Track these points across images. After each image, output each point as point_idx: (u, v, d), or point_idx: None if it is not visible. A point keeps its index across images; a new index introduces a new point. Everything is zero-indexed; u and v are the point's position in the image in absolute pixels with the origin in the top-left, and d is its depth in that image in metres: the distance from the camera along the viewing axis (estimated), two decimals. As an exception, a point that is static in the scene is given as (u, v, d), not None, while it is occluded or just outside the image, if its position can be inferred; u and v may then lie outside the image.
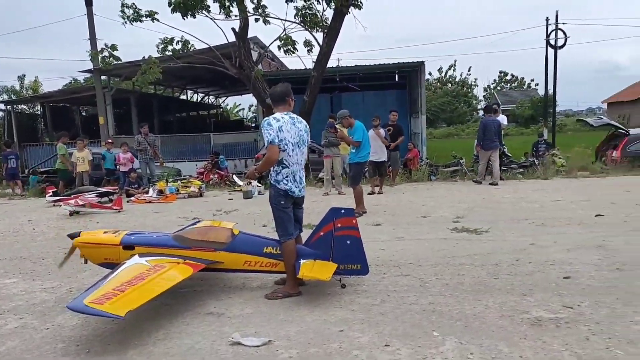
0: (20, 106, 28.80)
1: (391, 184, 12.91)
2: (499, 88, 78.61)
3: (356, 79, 22.16)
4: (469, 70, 77.21)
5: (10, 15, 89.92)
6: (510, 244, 6.27)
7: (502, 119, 13.69)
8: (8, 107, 26.84)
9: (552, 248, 5.94)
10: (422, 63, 19.97)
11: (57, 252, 7.00)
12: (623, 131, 15.45)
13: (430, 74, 69.62)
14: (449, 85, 70.05)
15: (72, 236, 5.17)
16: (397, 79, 23.53)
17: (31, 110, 30.35)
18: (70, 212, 10.70)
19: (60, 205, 11.20)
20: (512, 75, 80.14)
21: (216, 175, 16.37)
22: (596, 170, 13.79)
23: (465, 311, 4.10)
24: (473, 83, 73.18)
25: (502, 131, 13.27)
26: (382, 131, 11.65)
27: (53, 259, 6.64)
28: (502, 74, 79.98)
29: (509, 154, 16.14)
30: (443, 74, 71.72)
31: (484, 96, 76.64)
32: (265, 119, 4.68)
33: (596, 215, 7.68)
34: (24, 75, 41.32)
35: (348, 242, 4.66)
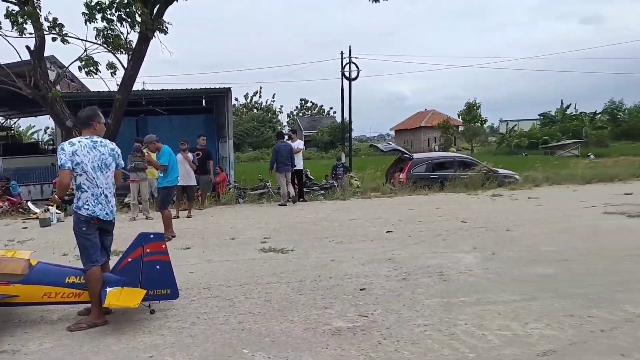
0: None
1: (200, 207, 12.81)
2: (300, 114, 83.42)
3: (163, 103, 21.65)
4: (274, 97, 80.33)
5: None
6: (313, 261, 6.72)
7: (299, 143, 14.49)
8: None
9: (350, 263, 6.50)
10: (229, 89, 20.32)
11: None
12: (408, 156, 17.48)
13: (236, 99, 71.15)
14: (255, 110, 72.30)
15: None
16: (204, 104, 23.58)
17: None
18: None
19: None
20: (312, 103, 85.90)
21: (7, 203, 14.54)
22: (386, 191, 15.25)
23: (272, 327, 4.31)
24: (278, 109, 76.60)
25: (299, 155, 14.05)
26: (190, 155, 11.60)
27: None
28: (302, 101, 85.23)
29: (311, 177, 17.22)
30: (249, 100, 73.88)
31: (287, 122, 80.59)
32: (61, 143, 4.49)
33: (387, 232, 8.58)
34: None
35: (157, 267, 4.57)
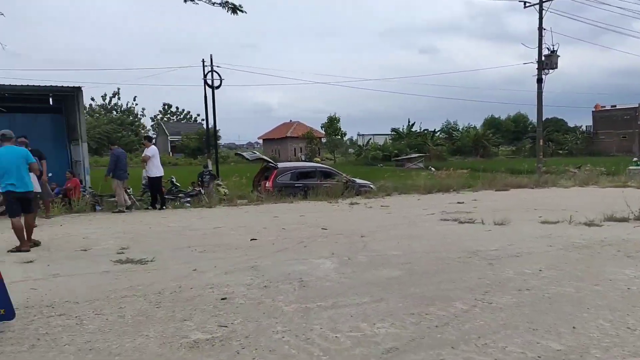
0: None
1: (47, 216, 11.58)
2: (165, 119, 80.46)
3: (3, 99, 19.33)
4: (135, 99, 76.01)
5: None
6: (174, 271, 6.35)
7: (149, 150, 13.80)
8: None
9: (212, 272, 6.23)
10: (79, 88, 18.54)
11: None
12: (273, 165, 17.59)
13: (92, 99, 66.69)
14: (114, 112, 68.26)
15: None
16: (52, 103, 21.43)
17: None
18: None
19: None
20: (177, 108, 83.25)
21: None
22: (253, 198, 15.18)
23: (124, 344, 3.94)
24: (140, 113, 73.06)
25: (152, 162, 13.54)
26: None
27: None
28: (166, 106, 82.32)
29: (178, 184, 16.56)
30: (107, 101, 69.56)
31: (151, 125, 77.20)
32: None
33: (251, 240, 8.42)
34: None
35: (-11, 284, 4.00)
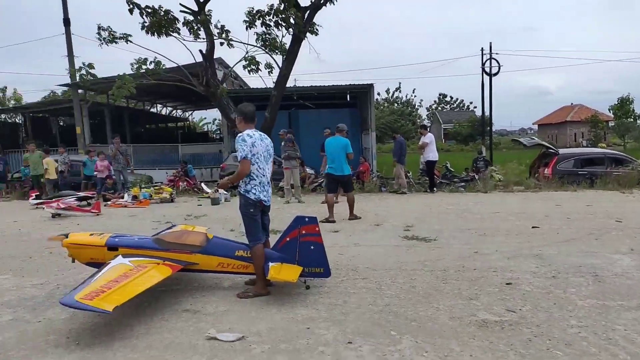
0: (2, 116, 27.89)
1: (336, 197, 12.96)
2: (439, 108, 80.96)
3: (312, 98, 22.45)
4: (414, 91, 78.69)
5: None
6: (456, 251, 6.42)
7: (426, 137, 14.08)
8: None
9: (494, 256, 6.09)
10: (372, 85, 20.58)
11: (43, 251, 6.88)
12: (553, 151, 16.01)
13: (378, 94, 71.09)
14: (395, 105, 71.67)
15: (56, 238, 5.10)
16: (349, 99, 24.06)
17: (12, 120, 29.38)
18: (52, 214, 10.54)
19: (43, 208, 10.91)
20: (451, 97, 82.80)
21: (185, 183, 16.17)
22: (530, 185, 14.18)
23: (418, 312, 4.18)
24: (418, 104, 75.17)
25: (429, 147, 13.85)
26: None
27: (40, 257, 6.52)
28: (441, 96, 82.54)
29: (452, 169, 16.56)
30: (390, 95, 73.40)
31: (427, 115, 78.73)
32: (240, 134, 4.69)
33: (532, 227, 7.90)
34: (6, 88, 40.55)
35: (312, 247, 4.71)
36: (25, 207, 12.47)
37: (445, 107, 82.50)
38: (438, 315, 4.11)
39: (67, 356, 3.44)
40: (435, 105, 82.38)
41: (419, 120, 70.14)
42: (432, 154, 13.76)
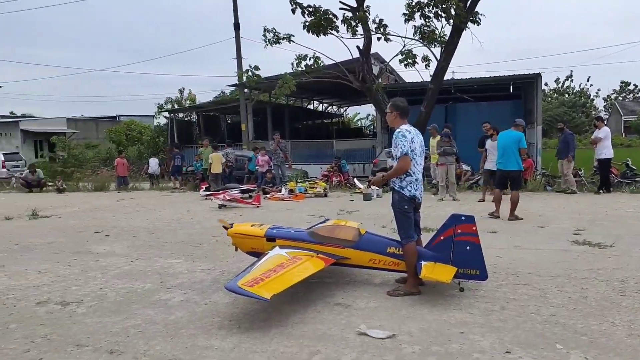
0: (179, 115, 31.74)
1: (505, 192, 12.20)
2: (620, 98, 71.29)
3: (471, 91, 21.42)
4: (588, 80, 69.83)
5: (175, 41, 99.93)
6: (637, 260, 5.63)
7: (600, 132, 12.36)
8: (171, 115, 30.05)
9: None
10: (539, 75, 18.90)
11: (211, 239, 7.58)
12: None
13: (546, 84, 65.10)
14: (566, 96, 64.97)
15: (226, 227, 5.55)
16: (511, 90, 22.43)
17: (188, 118, 33.20)
18: (219, 205, 11.59)
19: (212, 199, 12.11)
20: (635, 86, 72.19)
21: (338, 178, 16.65)
22: None
23: (590, 326, 3.74)
24: (594, 94, 67.15)
25: (603, 143, 12.28)
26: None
27: (208, 244, 7.20)
28: (623, 84, 72.32)
29: (633, 167, 14.57)
30: (560, 85, 66.67)
31: (604, 106, 70.04)
32: (399, 130, 4.66)
33: None
34: (183, 89, 46.05)
35: (467, 247, 4.49)
36: (197, 198, 13.84)
37: (627, 96, 72.55)
38: (614, 331, 3.63)
39: (229, 338, 3.73)
40: (615, 95, 72.90)
41: (593, 112, 62.88)
42: (606, 151, 12.22)
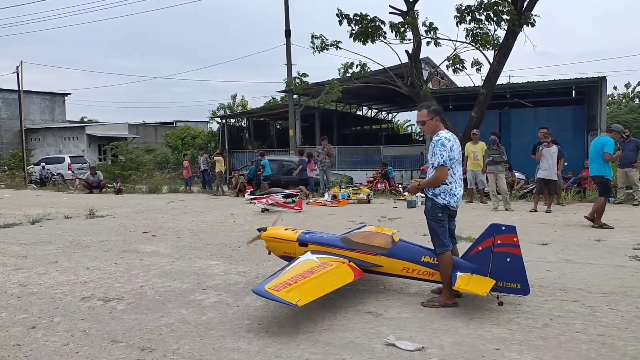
0: (231, 120, 32.56)
1: (561, 203, 11.68)
2: (702, 103, 66.32)
3: (528, 95, 20.59)
4: (662, 84, 65.14)
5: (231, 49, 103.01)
6: None
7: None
8: (223, 120, 30.95)
9: None
10: (604, 78, 17.84)
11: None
12: None
13: (615, 88, 61.70)
14: (637, 101, 61.39)
15: (260, 230, 5.59)
16: (574, 95, 21.33)
17: (239, 124, 34.01)
18: (262, 209, 11.74)
19: (255, 203, 12.28)
20: None
21: (384, 184, 16.46)
22: None
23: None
24: (677, 99, 62.86)
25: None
26: (554, 148, 10.68)
27: (247, 248, 7.22)
28: None
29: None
30: (630, 89, 63.03)
31: (680, 112, 65.48)
32: (438, 137, 4.52)
33: None
34: (236, 95, 47.36)
35: (508, 259, 4.26)
36: (242, 201, 14.05)
37: None
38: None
39: (256, 341, 3.73)
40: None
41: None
42: None
